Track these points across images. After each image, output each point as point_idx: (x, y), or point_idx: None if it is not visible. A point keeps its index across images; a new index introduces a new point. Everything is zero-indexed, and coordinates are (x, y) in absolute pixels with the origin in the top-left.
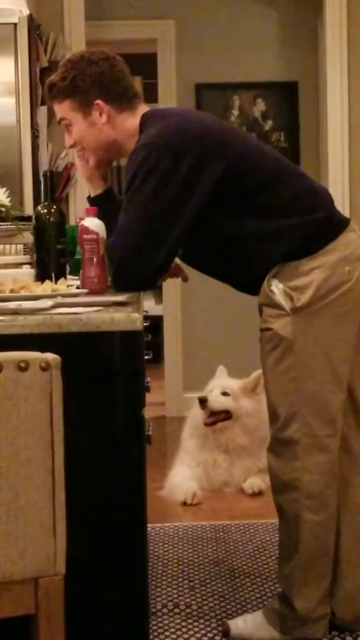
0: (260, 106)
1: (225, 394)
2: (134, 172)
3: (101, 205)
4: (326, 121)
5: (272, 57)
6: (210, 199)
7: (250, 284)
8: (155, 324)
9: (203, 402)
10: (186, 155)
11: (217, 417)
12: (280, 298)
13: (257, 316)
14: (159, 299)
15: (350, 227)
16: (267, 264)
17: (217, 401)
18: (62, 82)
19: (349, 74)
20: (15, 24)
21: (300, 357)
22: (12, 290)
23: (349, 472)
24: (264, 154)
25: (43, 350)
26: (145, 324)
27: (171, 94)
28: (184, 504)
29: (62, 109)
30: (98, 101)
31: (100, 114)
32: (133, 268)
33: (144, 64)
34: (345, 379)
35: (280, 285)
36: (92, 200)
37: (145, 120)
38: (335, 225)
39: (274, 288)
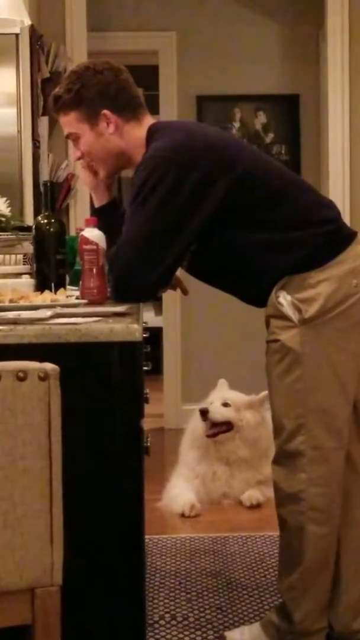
0: (261, 119)
1: (226, 404)
2: (140, 185)
3: (105, 216)
4: (327, 134)
5: (273, 69)
6: (217, 213)
7: (257, 296)
8: (154, 336)
9: (204, 413)
10: (193, 170)
11: (219, 429)
12: (288, 310)
13: (257, 329)
14: (158, 310)
15: (357, 239)
16: (274, 275)
17: (219, 412)
18: (67, 93)
19: (350, 87)
20: (17, 35)
21: (308, 369)
22: (11, 300)
23: (351, 486)
24: (270, 168)
25: (42, 360)
26: (144, 335)
27: (172, 106)
28: (182, 515)
29: (69, 121)
30: (105, 111)
31: (108, 124)
32: (133, 280)
33: (145, 75)
34: (352, 391)
35: (289, 297)
36: (96, 211)
37: (152, 133)
38: (342, 238)
39: (282, 300)
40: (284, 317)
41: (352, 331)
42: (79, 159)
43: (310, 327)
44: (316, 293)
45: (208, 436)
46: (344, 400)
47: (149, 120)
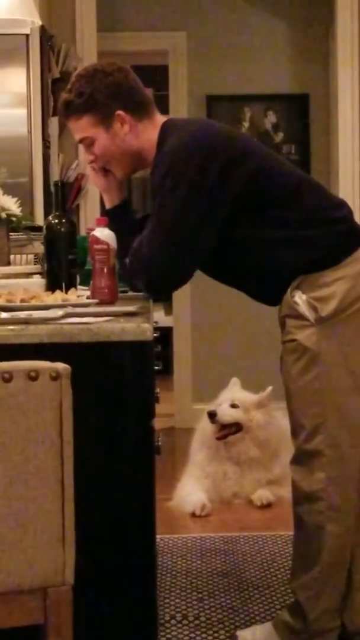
0: (271, 118)
1: (234, 406)
2: (162, 180)
3: (117, 217)
4: (337, 133)
5: (283, 69)
6: (234, 210)
7: (271, 294)
8: (164, 336)
9: (213, 416)
10: (213, 163)
11: (228, 430)
12: (304, 309)
13: (267, 329)
14: (168, 310)
15: None
16: (289, 274)
17: (227, 414)
18: (79, 97)
19: None
20: (27, 35)
21: (325, 368)
22: (22, 300)
23: None
24: (283, 167)
25: (53, 360)
26: (155, 335)
27: (182, 106)
28: (193, 515)
29: (81, 126)
30: (119, 112)
31: (122, 124)
32: (161, 273)
33: (155, 75)
34: None
35: (304, 296)
36: (107, 213)
37: (165, 130)
38: (356, 237)
39: (297, 299)
40: (300, 316)
41: None
42: (91, 162)
43: (326, 326)
44: (332, 292)
45: (218, 438)
46: None
47: (160, 118)
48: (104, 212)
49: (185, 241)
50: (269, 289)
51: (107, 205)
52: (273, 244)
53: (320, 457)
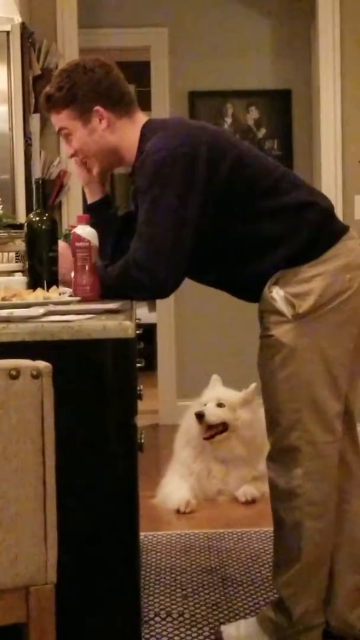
0: (253, 114)
1: (220, 405)
2: (150, 182)
3: (98, 212)
4: (319, 129)
5: (265, 64)
6: (217, 204)
7: (250, 291)
8: (148, 332)
9: (200, 417)
10: (197, 160)
11: (215, 430)
12: (281, 305)
13: (251, 324)
14: (152, 306)
15: (350, 234)
16: (268, 268)
17: (214, 414)
18: (59, 92)
19: (342, 82)
20: (7, 32)
21: (301, 364)
22: (3, 298)
23: (342, 480)
24: (263, 161)
25: (34, 358)
26: (138, 332)
27: (164, 102)
28: (177, 512)
29: (61, 119)
30: (97, 107)
31: (100, 120)
32: (164, 274)
33: (137, 71)
34: (343, 386)
35: (282, 292)
36: (88, 207)
37: (146, 130)
38: (335, 232)
39: (275, 295)
40: (277, 312)
41: (345, 326)
42: (72, 156)
43: (303, 322)
44: (310, 288)
45: (205, 439)
46: (336, 395)
47: (141, 117)
48: (85, 207)
49: (178, 246)
50: (248, 285)
51: (89, 200)
52: (252, 238)
53: (297, 453)
